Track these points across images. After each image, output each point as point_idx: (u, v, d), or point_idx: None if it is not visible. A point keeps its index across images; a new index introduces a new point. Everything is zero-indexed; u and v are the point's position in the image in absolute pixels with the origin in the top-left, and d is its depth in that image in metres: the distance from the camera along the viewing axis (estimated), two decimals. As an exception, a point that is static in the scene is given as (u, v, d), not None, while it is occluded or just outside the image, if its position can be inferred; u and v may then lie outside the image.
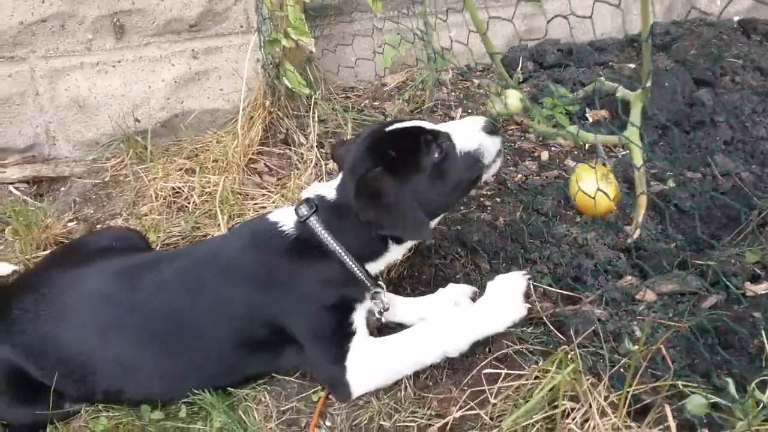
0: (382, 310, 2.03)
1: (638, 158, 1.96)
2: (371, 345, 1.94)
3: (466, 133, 1.99)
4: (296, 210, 1.96)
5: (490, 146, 2.01)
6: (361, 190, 1.86)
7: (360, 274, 1.95)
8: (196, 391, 1.94)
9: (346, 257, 1.92)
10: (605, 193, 1.96)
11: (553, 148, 3.03)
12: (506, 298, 1.89)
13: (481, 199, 2.69)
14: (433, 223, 2.08)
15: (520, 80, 3.43)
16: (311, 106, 3.10)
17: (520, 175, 2.84)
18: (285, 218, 1.99)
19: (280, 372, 2.04)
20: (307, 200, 1.98)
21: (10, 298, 2.04)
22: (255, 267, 1.95)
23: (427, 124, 2.00)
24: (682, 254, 2.31)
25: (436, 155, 1.92)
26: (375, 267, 2.01)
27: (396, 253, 2.04)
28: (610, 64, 3.61)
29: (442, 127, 2.00)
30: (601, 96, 3.06)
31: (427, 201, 1.93)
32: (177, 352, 1.93)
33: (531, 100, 3.21)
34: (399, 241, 1.99)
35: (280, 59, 3.06)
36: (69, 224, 2.90)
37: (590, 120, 3.20)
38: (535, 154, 2.98)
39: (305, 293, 1.92)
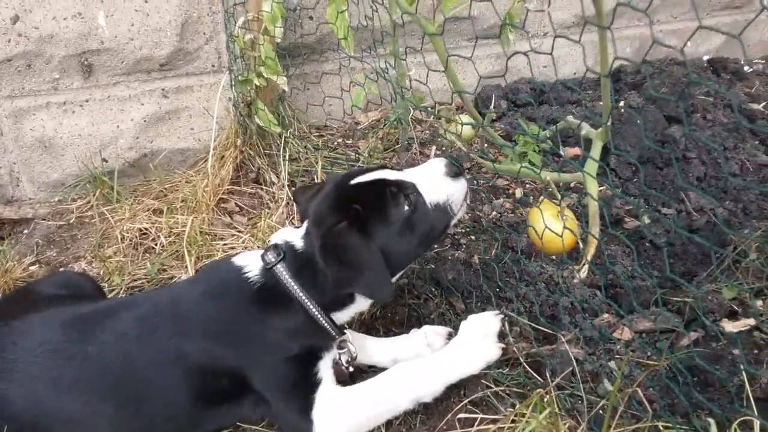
0: (350, 359, 1.95)
1: (593, 191, 1.93)
2: (339, 394, 1.85)
3: (433, 183, 1.95)
4: (263, 256, 1.90)
5: (456, 193, 1.97)
6: (326, 246, 1.80)
7: (325, 324, 1.87)
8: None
9: (311, 307, 1.85)
10: (554, 232, 1.91)
11: (527, 185, 3.00)
12: (480, 339, 1.83)
13: (456, 236, 2.64)
14: (397, 276, 2.02)
15: (494, 118, 3.43)
16: (282, 145, 3.06)
17: (494, 213, 2.80)
18: (251, 263, 1.92)
19: (243, 422, 1.95)
20: (275, 246, 1.92)
21: None
22: (216, 317, 1.86)
23: (391, 174, 1.94)
24: (659, 291, 2.27)
25: (405, 208, 1.88)
26: (342, 317, 1.95)
27: (363, 304, 1.98)
28: (583, 102, 3.62)
29: (406, 176, 1.95)
30: (572, 135, 3.07)
31: (394, 255, 1.88)
32: (133, 409, 1.82)
33: (504, 138, 3.21)
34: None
35: (251, 98, 3.02)
36: (30, 267, 2.80)
37: (564, 156, 3.19)
38: (510, 191, 2.95)
39: (268, 343, 1.83)
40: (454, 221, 2.03)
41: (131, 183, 3.26)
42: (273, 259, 1.87)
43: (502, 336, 2.00)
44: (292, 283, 1.84)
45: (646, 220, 2.61)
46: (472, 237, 2.64)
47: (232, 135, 3.13)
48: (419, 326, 2.12)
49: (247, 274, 1.89)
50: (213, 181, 3.02)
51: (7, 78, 3.00)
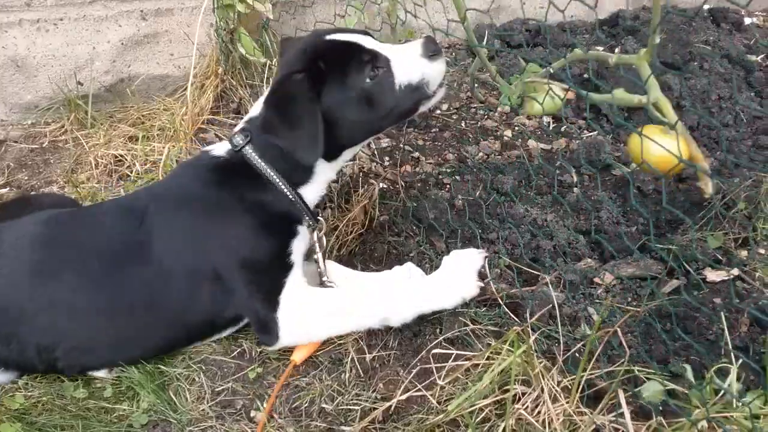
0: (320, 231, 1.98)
1: (669, 111, 1.76)
2: (309, 291, 1.84)
3: (407, 62, 1.85)
4: (231, 139, 1.88)
5: (433, 75, 1.86)
6: (275, 90, 1.80)
7: (294, 199, 1.86)
8: (123, 368, 1.79)
9: (280, 183, 1.84)
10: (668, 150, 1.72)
11: (516, 128, 2.93)
12: (460, 274, 1.80)
13: (440, 176, 2.58)
14: (350, 153, 2.00)
15: (487, 54, 3.31)
16: (266, 76, 2.94)
17: (481, 153, 2.73)
18: (221, 149, 1.92)
19: (220, 342, 1.90)
20: (243, 129, 1.89)
21: None
22: (192, 198, 1.86)
23: (369, 42, 1.86)
24: (644, 238, 2.24)
25: (368, 80, 1.80)
26: (312, 190, 1.93)
27: (326, 174, 1.96)
28: (579, 46, 3.51)
29: (384, 49, 1.86)
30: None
31: (345, 122, 1.83)
32: (113, 293, 1.77)
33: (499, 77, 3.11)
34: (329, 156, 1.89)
35: (234, 24, 2.90)
36: (1, 190, 2.71)
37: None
38: (498, 132, 2.88)
39: (240, 220, 1.82)
40: (425, 107, 1.95)
41: (107, 108, 3.14)
42: (240, 142, 1.85)
43: (482, 276, 1.96)
44: (260, 161, 1.83)
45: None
46: (457, 177, 2.57)
47: (213, 63, 3.02)
48: (399, 264, 2.07)
49: (217, 159, 1.88)
50: (192, 109, 2.91)
51: (-23, -9, 2.85)
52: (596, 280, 2.10)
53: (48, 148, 2.97)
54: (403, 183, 2.47)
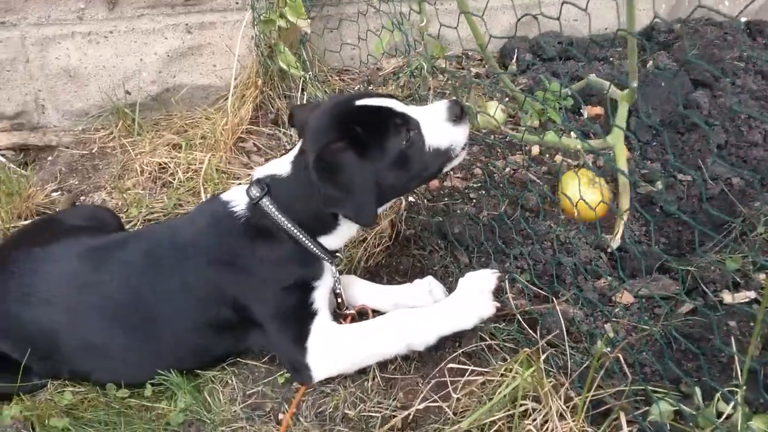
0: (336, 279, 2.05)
1: (622, 162, 1.91)
2: (335, 330, 1.93)
3: (436, 126, 1.93)
4: (247, 192, 1.95)
5: (457, 139, 1.96)
6: (320, 161, 1.81)
7: (314, 249, 1.94)
8: (162, 372, 1.93)
9: (300, 235, 1.91)
10: (586, 202, 1.92)
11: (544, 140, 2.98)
12: (476, 295, 1.88)
13: (467, 190, 2.66)
14: (382, 209, 2.06)
15: (515, 72, 3.38)
16: (301, 88, 3.06)
17: (508, 169, 2.80)
18: (238, 199, 1.97)
19: (248, 354, 2.04)
20: (258, 181, 1.96)
21: None
22: (213, 248, 1.94)
23: (398, 105, 1.93)
24: (664, 258, 2.28)
25: (404, 143, 1.88)
26: (332, 241, 1.99)
27: (349, 228, 2.01)
28: (611, 59, 3.55)
29: (411, 111, 1.94)
30: (594, 93, 3.03)
31: (384, 186, 1.90)
32: (142, 333, 1.93)
33: (525, 92, 3.17)
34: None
35: (274, 39, 3.02)
36: (52, 194, 2.89)
37: (585, 116, 3.16)
38: (526, 147, 2.94)
39: (263, 275, 1.91)
40: (449, 167, 2.04)
41: (153, 117, 3.30)
42: (257, 194, 1.91)
43: (502, 293, 2.04)
44: (278, 214, 1.89)
45: (660, 186, 2.59)
46: (483, 192, 2.65)
47: (254, 74, 3.15)
48: (422, 277, 2.16)
49: (234, 209, 1.94)
50: (232, 119, 3.05)
51: (33, 5, 3.03)
52: (614, 298, 2.17)
53: (97, 154, 3.14)
54: (430, 197, 2.56)
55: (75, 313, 1.93)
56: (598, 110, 3.12)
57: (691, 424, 1.62)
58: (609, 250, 2.28)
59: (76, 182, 2.98)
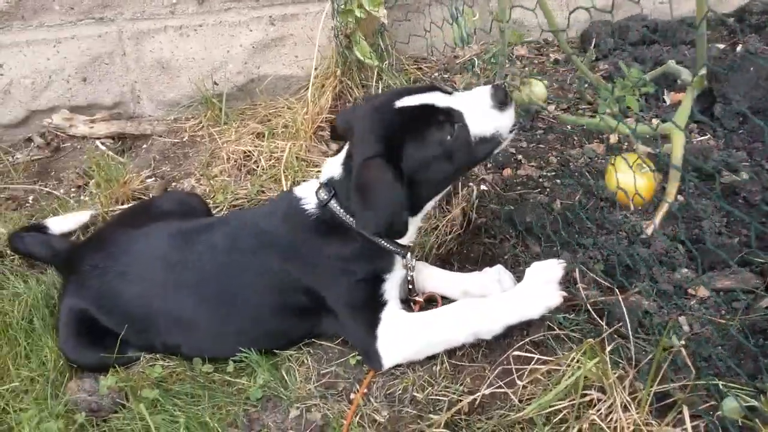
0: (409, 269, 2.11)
1: (677, 152, 1.86)
2: (405, 318, 2.00)
3: (480, 113, 1.90)
4: (317, 194, 2.01)
5: (503, 124, 1.92)
6: (356, 180, 1.86)
7: (386, 244, 1.99)
8: (243, 350, 2.06)
9: (368, 234, 1.96)
10: (634, 189, 1.91)
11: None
12: (542, 285, 1.89)
13: (540, 179, 2.66)
14: (432, 204, 2.07)
15: (594, 58, 3.31)
16: (375, 77, 3.12)
17: (584, 158, 2.77)
18: (309, 197, 2.04)
19: (322, 337, 2.14)
20: (325, 184, 2.01)
21: (81, 254, 2.24)
22: (288, 241, 2.03)
23: (440, 99, 1.91)
24: (745, 251, 2.22)
25: (448, 137, 1.88)
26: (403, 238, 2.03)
27: (414, 222, 2.04)
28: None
29: (455, 102, 1.91)
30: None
31: (427, 181, 1.92)
32: (225, 313, 2.06)
33: (605, 79, 3.11)
34: (413, 211, 1.98)
35: (352, 29, 3.09)
36: (147, 180, 3.09)
37: (668, 103, 3.07)
38: (604, 135, 2.90)
39: (335, 269, 1.99)
40: (501, 147, 2.01)
41: (238, 106, 3.46)
42: (325, 197, 1.98)
43: (572, 283, 2.05)
44: (346, 216, 1.95)
45: (745, 176, 2.50)
46: (558, 181, 2.64)
47: (333, 65, 3.23)
48: (492, 265, 2.19)
49: (306, 208, 2.02)
50: (312, 109, 3.15)
51: (130, 1, 3.23)
52: (690, 290, 2.13)
53: (187, 142, 3.32)
54: (503, 186, 2.57)
55: (167, 291, 2.09)
56: (682, 96, 3.02)
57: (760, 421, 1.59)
58: (642, 236, 2.21)
59: (168, 169, 3.17)
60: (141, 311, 2.10)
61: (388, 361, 1.98)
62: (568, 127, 2.83)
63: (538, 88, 2.39)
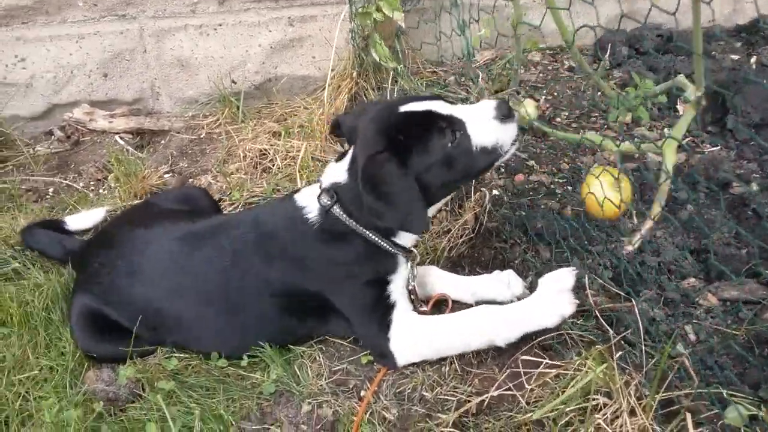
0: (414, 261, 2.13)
1: (670, 163, 1.90)
2: (418, 321, 2.04)
3: (482, 124, 1.95)
4: (318, 200, 2.03)
5: (505, 137, 1.97)
6: (365, 173, 1.89)
7: (388, 247, 2.03)
8: (256, 346, 2.11)
9: (372, 236, 2.00)
10: (610, 200, 2.05)
11: (636, 139, 2.96)
12: (555, 294, 1.92)
13: (551, 185, 2.69)
14: (435, 209, 2.10)
15: (607, 66, 3.34)
16: (391, 80, 3.16)
17: (596, 164, 2.80)
18: (310, 204, 2.06)
19: (329, 336, 2.19)
20: (327, 190, 2.03)
21: (89, 252, 2.31)
22: (294, 248, 2.06)
23: (443, 107, 1.97)
24: (753, 261, 2.25)
25: (450, 144, 1.92)
26: (403, 240, 2.07)
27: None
28: (713, 53, 3.44)
29: (458, 111, 1.97)
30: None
31: (433, 186, 1.96)
32: (230, 313, 2.11)
33: (619, 88, 3.14)
34: None
35: (369, 32, 3.13)
36: (165, 176, 3.14)
37: (681, 112, 3.10)
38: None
39: (340, 274, 2.04)
40: (502, 160, 2.05)
41: (255, 105, 3.51)
42: (328, 202, 2.01)
43: (582, 289, 2.08)
44: (350, 221, 1.99)
45: (755, 187, 2.53)
46: (569, 188, 2.68)
47: (349, 66, 3.27)
48: (503, 269, 2.23)
49: (308, 216, 2.05)
50: (328, 109, 3.20)
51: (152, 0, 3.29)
52: (698, 300, 2.16)
53: (204, 139, 3.38)
54: (515, 191, 2.61)
55: (176, 291, 2.14)
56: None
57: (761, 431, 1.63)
58: (626, 251, 2.25)
59: (186, 165, 3.23)
60: (152, 310, 2.15)
61: (401, 361, 2.03)
62: (581, 133, 2.85)
63: (530, 108, 2.55)
